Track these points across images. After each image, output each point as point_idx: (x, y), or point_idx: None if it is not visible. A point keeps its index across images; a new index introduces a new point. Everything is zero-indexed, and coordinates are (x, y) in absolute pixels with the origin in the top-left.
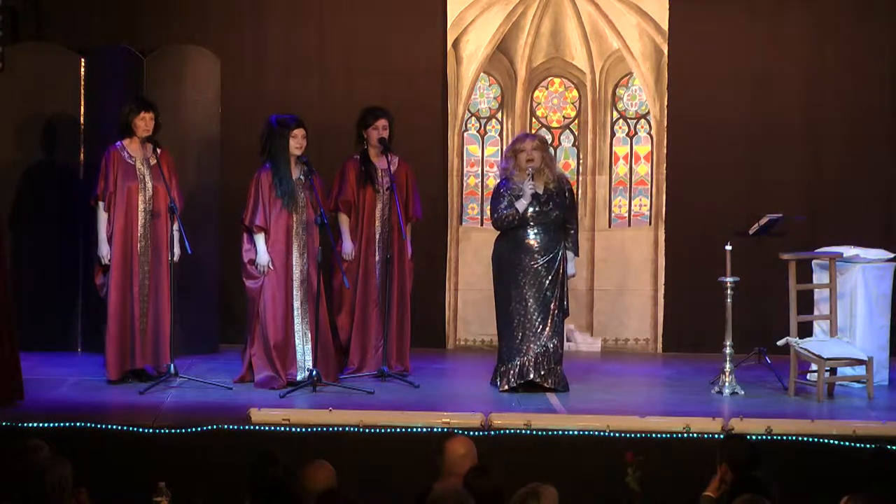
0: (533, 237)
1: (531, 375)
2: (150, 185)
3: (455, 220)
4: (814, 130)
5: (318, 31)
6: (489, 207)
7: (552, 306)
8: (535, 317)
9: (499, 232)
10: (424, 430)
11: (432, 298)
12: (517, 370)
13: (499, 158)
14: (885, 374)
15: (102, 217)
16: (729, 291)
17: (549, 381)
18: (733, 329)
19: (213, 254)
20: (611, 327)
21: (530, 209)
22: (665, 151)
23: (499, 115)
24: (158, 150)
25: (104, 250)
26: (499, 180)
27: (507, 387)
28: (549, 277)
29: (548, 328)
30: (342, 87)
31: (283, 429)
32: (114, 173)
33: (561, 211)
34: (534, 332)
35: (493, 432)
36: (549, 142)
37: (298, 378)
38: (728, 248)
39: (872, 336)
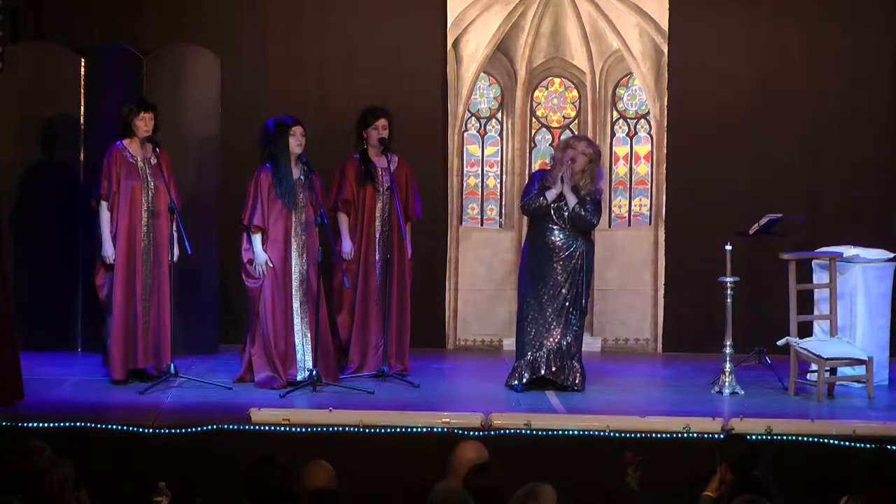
0: (552, 235)
1: (542, 371)
2: (152, 184)
3: (455, 220)
4: (814, 130)
5: (318, 31)
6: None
7: (567, 304)
8: (547, 313)
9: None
10: (424, 430)
11: (432, 298)
12: (529, 365)
13: (499, 158)
14: (885, 374)
15: (105, 217)
16: (729, 291)
17: (562, 377)
18: (733, 329)
19: (213, 254)
20: (611, 327)
21: (554, 203)
22: (665, 151)
23: (499, 115)
24: (158, 150)
25: (108, 250)
26: (537, 169)
27: (517, 382)
28: (564, 275)
29: (561, 326)
30: (342, 86)
31: (283, 429)
32: (116, 173)
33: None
34: (546, 328)
35: (493, 432)
36: (564, 146)
37: (298, 378)
38: (728, 248)
39: (872, 336)
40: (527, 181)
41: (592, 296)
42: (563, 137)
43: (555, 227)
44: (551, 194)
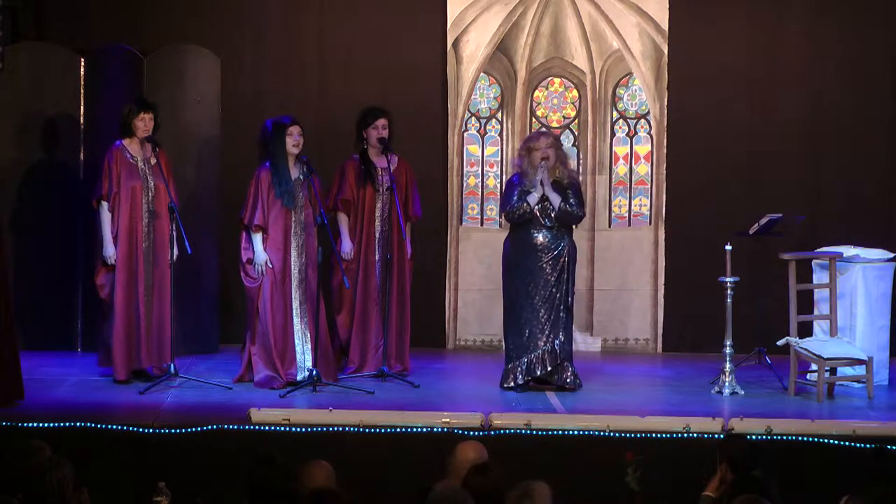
0: (539, 235)
1: (538, 372)
2: (152, 184)
3: (455, 220)
4: (814, 130)
5: (318, 32)
6: (500, 202)
7: (558, 303)
8: (541, 314)
9: (507, 231)
10: (424, 430)
11: (432, 298)
12: (525, 367)
13: (499, 158)
14: (885, 374)
15: (106, 217)
16: (729, 291)
17: (557, 377)
18: (733, 329)
19: (212, 254)
20: (611, 327)
21: (538, 205)
22: (665, 151)
23: (499, 115)
24: (157, 150)
25: (110, 251)
26: (511, 176)
27: (513, 384)
28: (554, 275)
29: (554, 326)
30: (342, 87)
31: (283, 429)
32: (117, 173)
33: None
34: (541, 329)
35: (493, 432)
36: (528, 151)
37: (298, 378)
38: (728, 248)
39: (872, 336)
40: (504, 189)
41: (592, 296)
42: (522, 145)
43: (542, 228)
44: (533, 198)
